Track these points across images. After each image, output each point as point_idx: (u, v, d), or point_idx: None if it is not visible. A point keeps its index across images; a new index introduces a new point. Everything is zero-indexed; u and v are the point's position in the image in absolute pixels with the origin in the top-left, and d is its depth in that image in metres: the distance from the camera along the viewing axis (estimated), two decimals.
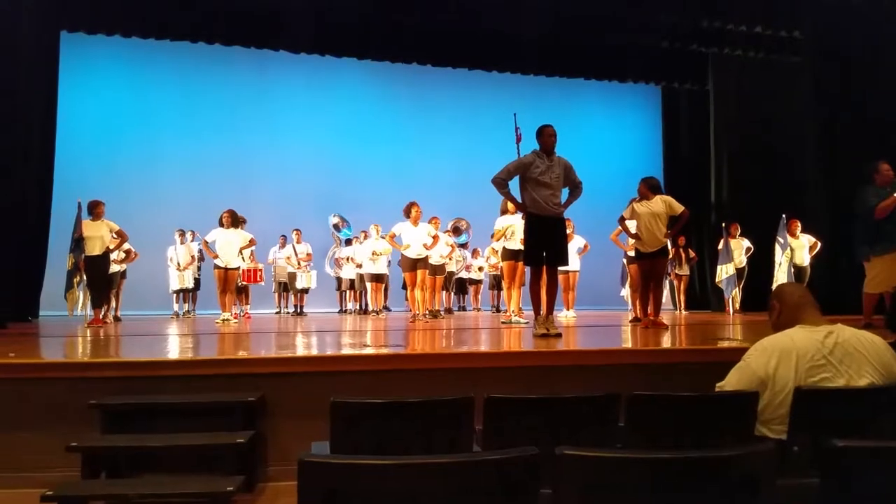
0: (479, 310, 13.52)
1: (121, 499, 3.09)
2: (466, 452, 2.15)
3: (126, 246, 9.16)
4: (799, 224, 9.65)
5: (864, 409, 2.31)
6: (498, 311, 12.49)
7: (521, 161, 5.51)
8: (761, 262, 10.22)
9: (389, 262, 10.95)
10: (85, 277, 7.80)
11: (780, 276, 9.48)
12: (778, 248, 9.65)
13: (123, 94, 12.72)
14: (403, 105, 13.95)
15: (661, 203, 6.62)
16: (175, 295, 11.33)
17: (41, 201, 9.40)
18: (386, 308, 11.77)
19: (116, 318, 9.69)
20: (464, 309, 13.67)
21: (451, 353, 4.29)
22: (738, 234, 10.59)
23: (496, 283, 12.44)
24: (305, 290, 11.88)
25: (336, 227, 12.81)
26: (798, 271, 9.58)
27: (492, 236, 8.71)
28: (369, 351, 4.29)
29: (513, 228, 7.71)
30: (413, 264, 8.62)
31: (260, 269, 10.81)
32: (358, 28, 10.47)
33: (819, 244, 9.65)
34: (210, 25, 10.10)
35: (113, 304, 9.65)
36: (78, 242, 7.67)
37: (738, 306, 10.38)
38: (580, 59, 11.69)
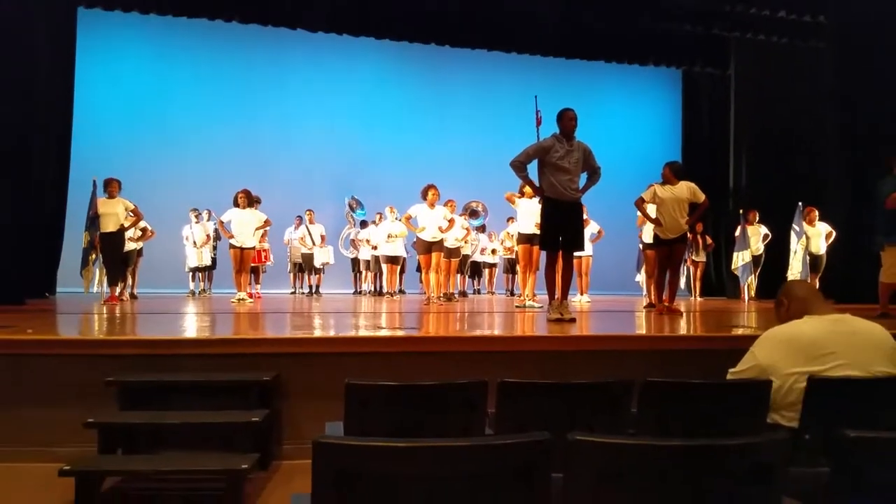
0: (493, 293, 13.53)
1: (137, 474, 3.15)
2: (479, 436, 2.16)
3: (142, 224, 9.23)
4: (816, 212, 9.53)
5: (876, 398, 2.30)
6: (512, 294, 12.49)
7: (540, 145, 5.47)
8: (777, 250, 10.12)
9: (406, 244, 10.98)
10: (101, 255, 7.88)
11: (796, 264, 9.40)
12: (793, 236, 9.55)
13: (140, 71, 12.76)
14: (421, 86, 13.88)
15: (685, 189, 6.56)
16: (191, 273, 11.44)
17: (58, 179, 9.48)
18: (401, 290, 11.80)
19: (133, 296, 9.79)
20: (478, 292, 13.69)
21: (464, 336, 4.30)
22: (756, 220, 10.48)
23: (511, 266, 12.42)
24: (322, 270, 11.93)
25: (351, 207, 12.84)
26: (814, 260, 9.48)
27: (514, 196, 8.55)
28: (384, 333, 4.31)
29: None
30: (428, 247, 8.63)
31: (266, 250, 10.83)
32: (376, 7, 10.40)
33: (835, 233, 9.54)
34: (228, 4, 10.09)
35: (129, 281, 9.75)
36: (93, 220, 7.75)
37: (753, 293, 10.29)
38: (601, 41, 11.56)
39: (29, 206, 8.12)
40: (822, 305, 2.56)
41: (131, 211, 8.13)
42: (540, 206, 5.81)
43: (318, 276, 11.98)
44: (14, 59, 7.74)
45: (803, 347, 2.37)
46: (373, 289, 12.27)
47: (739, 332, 4.69)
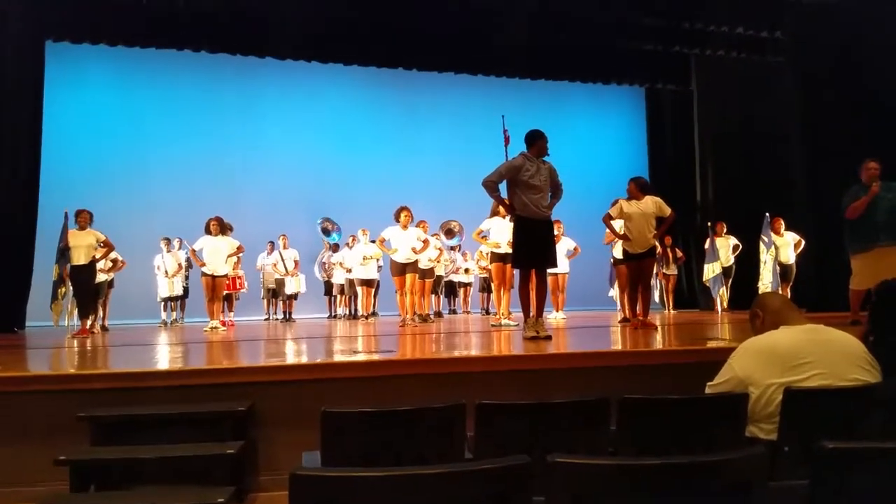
0: (468, 312, 13.53)
1: None
2: (458, 461, 2.15)
3: (113, 255, 9.10)
4: (783, 222, 9.71)
5: (853, 407, 2.34)
6: (487, 313, 12.51)
7: (511, 163, 5.52)
8: (747, 262, 10.29)
9: (380, 266, 10.94)
10: (71, 287, 7.74)
11: (766, 274, 9.54)
12: (763, 247, 9.71)
13: (109, 102, 12.64)
14: (390, 109, 13.95)
15: (651, 203, 6.64)
16: (163, 303, 11.26)
17: (27, 211, 9.31)
18: (374, 313, 11.75)
19: (104, 328, 9.61)
20: (454, 312, 13.67)
21: (441, 358, 4.28)
22: (724, 232, 10.65)
23: (486, 285, 12.45)
24: (294, 296, 11.84)
25: (325, 231, 12.78)
26: (784, 269, 9.64)
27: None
28: (360, 357, 4.28)
29: (489, 230, 7.90)
30: (402, 268, 8.62)
31: (240, 277, 10.74)
32: (343, 34, 10.45)
33: (804, 242, 9.72)
34: (195, 34, 10.06)
35: (101, 313, 9.58)
36: (63, 252, 7.61)
37: (725, 305, 10.43)
38: (565, 61, 11.71)
39: None
40: (795, 316, 2.60)
41: (102, 242, 8.01)
42: (511, 225, 5.84)
43: (290, 301, 11.88)
44: None
45: (780, 358, 2.40)
46: (347, 312, 12.20)
47: (714, 344, 4.74)
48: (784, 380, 2.35)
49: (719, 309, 10.42)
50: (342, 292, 12.18)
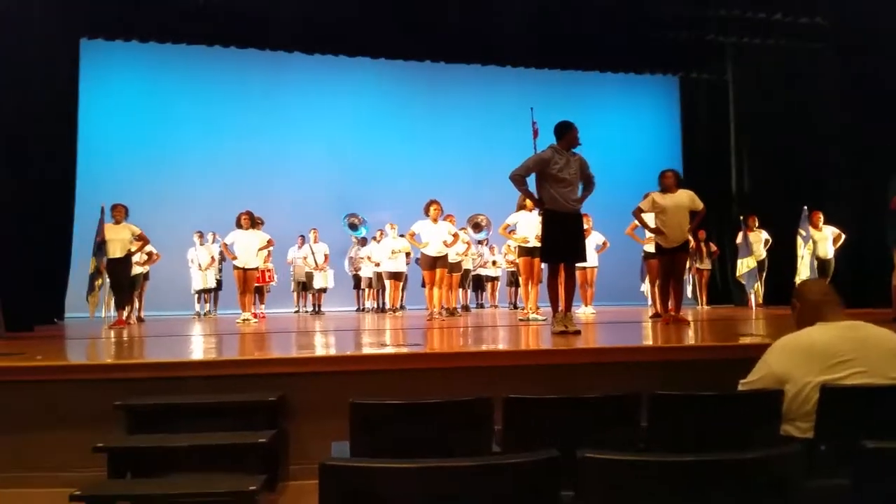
0: (496, 307, 13.49)
1: (146, 498, 3.13)
2: (486, 454, 2.14)
3: (148, 248, 9.29)
4: (821, 216, 9.47)
5: (892, 407, 2.27)
6: (515, 307, 12.46)
7: (540, 157, 5.47)
8: (784, 256, 10.06)
9: (409, 260, 10.97)
10: (108, 280, 7.92)
11: (803, 269, 9.33)
12: (800, 241, 9.50)
13: (142, 98, 12.85)
14: (418, 103, 13.93)
15: (685, 196, 6.53)
16: (197, 295, 11.46)
17: (64, 206, 9.53)
18: (402, 306, 11.79)
19: (140, 319, 9.82)
20: (481, 306, 13.65)
21: (469, 351, 4.28)
22: (756, 226, 10.42)
23: (514, 279, 12.39)
24: (323, 290, 11.94)
25: (352, 226, 12.86)
26: (822, 264, 9.41)
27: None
28: (388, 350, 4.30)
29: (516, 224, 7.85)
30: (433, 262, 8.62)
31: (270, 270, 10.86)
32: (370, 28, 10.47)
33: (843, 236, 9.48)
34: (225, 30, 10.19)
35: (136, 305, 9.80)
36: (100, 246, 7.78)
37: (760, 300, 10.23)
38: (596, 50, 11.54)
39: (37, 234, 8.18)
40: (834, 311, 2.51)
41: (137, 236, 8.17)
42: (540, 219, 5.80)
43: (320, 294, 11.98)
44: (19, 90, 7.85)
45: (818, 355, 2.34)
46: (375, 305, 12.25)
47: (748, 340, 4.66)
48: (823, 378, 2.29)
49: (754, 304, 10.23)
50: (370, 286, 12.25)
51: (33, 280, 7.95)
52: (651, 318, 7.83)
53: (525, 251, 7.87)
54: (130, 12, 9.70)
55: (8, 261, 6.83)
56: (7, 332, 6.34)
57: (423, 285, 9.19)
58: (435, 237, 8.59)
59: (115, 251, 7.91)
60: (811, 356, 2.35)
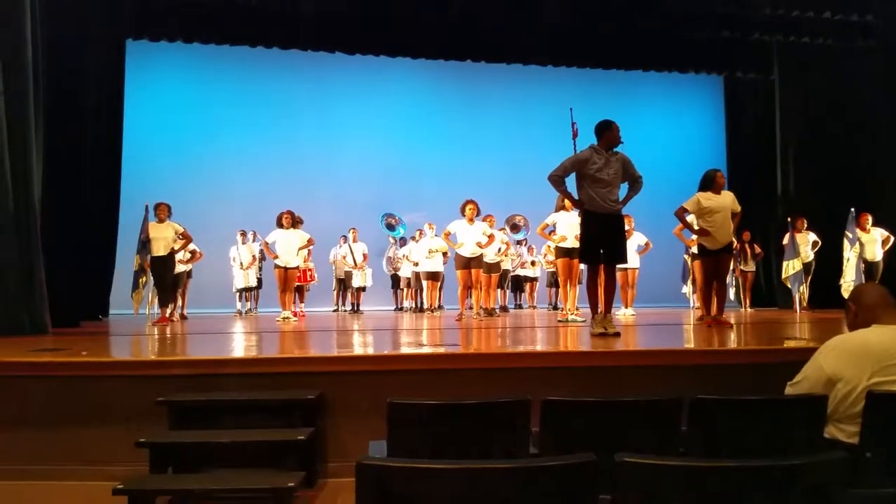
0: (535, 307, 13.42)
1: (187, 493, 3.20)
2: (523, 456, 2.13)
3: (191, 246, 9.48)
4: (870, 218, 9.20)
5: None
6: (555, 308, 12.37)
7: (577, 157, 5.42)
8: (830, 258, 9.78)
9: (446, 259, 10.98)
10: (151, 278, 8.12)
11: (849, 272, 9.07)
12: (846, 244, 9.23)
13: (185, 98, 13.12)
14: (456, 103, 13.93)
15: (729, 198, 6.43)
16: (238, 293, 11.67)
17: (109, 204, 9.82)
18: (440, 306, 11.80)
19: (183, 317, 10.04)
20: (520, 307, 13.59)
21: (506, 352, 4.26)
22: (805, 227, 10.15)
23: (553, 280, 12.31)
24: (362, 289, 12.03)
25: (390, 226, 12.93)
26: (869, 267, 9.14)
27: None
28: (425, 350, 4.31)
29: (554, 224, 7.82)
30: (466, 262, 8.61)
31: (311, 269, 10.98)
32: (410, 28, 10.52)
33: (893, 238, 9.18)
34: (268, 30, 10.34)
35: (179, 302, 10.01)
36: (144, 244, 7.98)
37: (805, 303, 9.97)
38: (638, 49, 11.39)
39: (82, 232, 8.45)
40: (891, 314, 2.45)
41: (181, 234, 8.34)
42: (579, 220, 5.74)
43: (359, 293, 12.08)
44: (67, 91, 8.10)
45: (872, 355, 2.28)
46: (414, 305, 12.30)
47: (792, 344, 4.54)
48: (876, 380, 2.24)
49: (798, 307, 9.96)
50: (408, 285, 12.31)
51: (79, 277, 8.19)
52: (699, 320, 7.67)
53: (563, 252, 7.80)
54: (174, 13, 9.93)
55: (55, 258, 7.04)
56: (53, 328, 6.51)
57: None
58: (469, 237, 8.58)
59: (159, 249, 8.09)
60: (864, 356, 2.29)
